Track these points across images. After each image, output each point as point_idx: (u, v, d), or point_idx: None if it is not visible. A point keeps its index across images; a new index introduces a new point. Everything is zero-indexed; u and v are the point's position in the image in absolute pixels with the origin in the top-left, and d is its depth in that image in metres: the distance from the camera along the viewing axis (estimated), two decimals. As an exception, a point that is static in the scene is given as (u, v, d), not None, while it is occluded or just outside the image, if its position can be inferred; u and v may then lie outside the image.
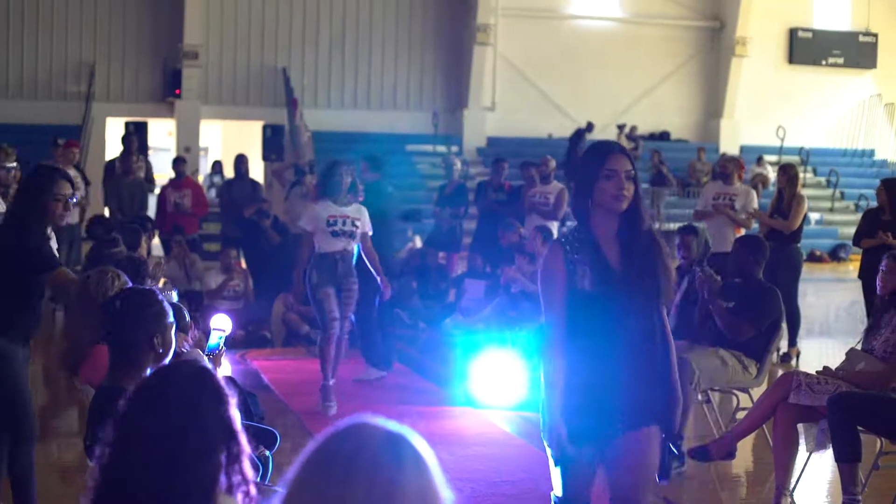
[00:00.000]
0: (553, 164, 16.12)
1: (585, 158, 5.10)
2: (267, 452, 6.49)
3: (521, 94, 32.22)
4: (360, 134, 28.80)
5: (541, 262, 5.05)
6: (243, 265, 16.58)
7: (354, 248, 10.69)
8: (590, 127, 30.59)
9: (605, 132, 31.27)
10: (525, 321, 11.98)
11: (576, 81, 32.35)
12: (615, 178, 4.89)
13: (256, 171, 25.48)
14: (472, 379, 11.11)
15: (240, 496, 2.82)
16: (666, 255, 5.09)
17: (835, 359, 8.82)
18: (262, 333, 14.47)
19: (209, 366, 3.01)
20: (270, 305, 14.84)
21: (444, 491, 2.15)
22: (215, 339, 6.30)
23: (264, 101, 30.26)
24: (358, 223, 10.65)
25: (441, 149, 29.67)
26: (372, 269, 10.92)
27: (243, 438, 2.84)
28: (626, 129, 30.98)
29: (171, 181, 18.50)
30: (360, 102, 31.34)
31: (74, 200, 6.78)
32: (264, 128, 27.46)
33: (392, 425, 2.17)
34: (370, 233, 10.78)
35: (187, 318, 6.42)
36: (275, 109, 29.56)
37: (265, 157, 27.32)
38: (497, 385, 10.92)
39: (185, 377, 2.88)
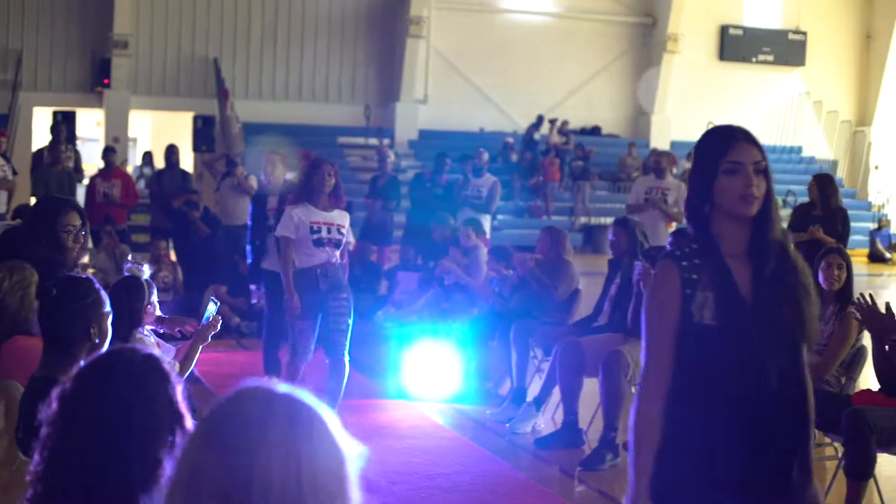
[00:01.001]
0: (486, 156, 16.14)
1: (701, 148, 3.94)
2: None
3: (453, 88, 32.23)
4: (291, 126, 28.69)
5: (649, 283, 3.94)
6: (173, 257, 16.41)
7: (338, 258, 9.22)
8: (540, 120, 30.75)
9: (538, 126, 31.40)
10: (458, 313, 11.94)
11: (508, 75, 32.39)
12: (740, 172, 3.79)
13: (187, 162, 25.27)
14: (405, 371, 11.07)
15: None
16: (807, 276, 3.89)
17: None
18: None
19: (155, 352, 2.95)
20: (200, 297, 14.69)
21: (342, 449, 2.06)
22: (210, 308, 6.32)
23: (195, 92, 30.02)
24: (344, 230, 9.27)
25: (373, 141, 29.61)
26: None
27: (189, 421, 2.79)
28: (558, 124, 31.06)
29: (101, 171, 18.28)
30: (292, 94, 31.19)
31: (84, 233, 6.50)
32: (195, 118, 27.25)
33: (281, 388, 2.08)
34: (351, 241, 9.75)
35: (155, 296, 6.37)
36: (205, 100, 29.36)
37: (196, 148, 27.11)
38: (430, 377, 10.89)
39: (131, 360, 2.83)
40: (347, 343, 9.25)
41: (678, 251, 3.82)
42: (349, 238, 9.46)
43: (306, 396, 2.08)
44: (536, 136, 30.67)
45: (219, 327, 6.33)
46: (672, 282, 3.76)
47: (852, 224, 13.01)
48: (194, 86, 30.17)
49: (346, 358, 9.23)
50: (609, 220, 28.50)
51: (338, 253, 9.20)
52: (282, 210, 10.09)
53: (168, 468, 2.74)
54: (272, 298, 10.64)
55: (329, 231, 9.15)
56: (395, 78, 31.62)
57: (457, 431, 9.78)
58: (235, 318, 14.37)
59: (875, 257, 30.12)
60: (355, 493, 2.06)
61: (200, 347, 6.17)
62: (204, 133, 26.86)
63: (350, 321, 9.24)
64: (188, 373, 6.18)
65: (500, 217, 27.24)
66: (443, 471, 8.41)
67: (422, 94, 32.02)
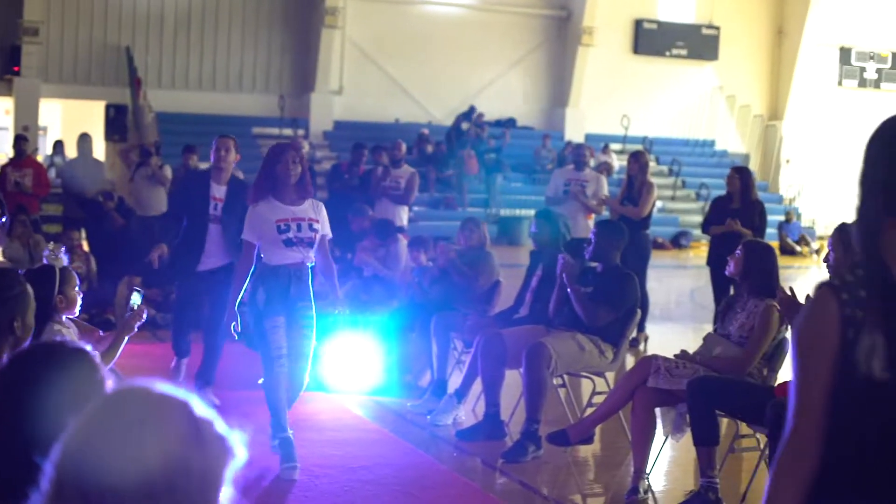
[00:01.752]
0: (404, 147, 16.03)
1: (883, 141, 2.84)
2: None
3: (368, 79, 32.12)
4: (205, 116, 28.47)
5: (800, 316, 2.85)
6: (86, 247, 16.16)
7: (312, 259, 8.00)
8: (472, 110, 30.77)
9: (451, 118, 31.40)
10: (378, 305, 11.86)
11: (424, 67, 32.35)
12: None
13: (99, 151, 24.93)
14: (324, 363, 10.97)
15: None
16: None
17: (679, 343, 8.91)
18: (105, 317, 14.13)
19: (86, 346, 2.86)
20: (114, 288, 14.48)
21: (211, 454, 1.98)
22: (135, 298, 6.33)
23: (107, 81, 29.61)
24: (317, 225, 7.95)
25: (287, 132, 29.42)
26: (327, 283, 8.54)
27: None
28: (473, 116, 31.08)
29: (12, 160, 17.96)
30: (206, 83, 30.90)
31: (4, 220, 6.33)
32: (107, 107, 26.93)
33: (157, 387, 2.02)
34: (329, 235, 8.18)
35: (78, 284, 6.26)
36: (118, 89, 29.00)
37: (108, 138, 26.80)
38: (350, 369, 10.80)
39: (60, 352, 2.75)
40: (308, 365, 8.11)
41: (838, 279, 2.78)
42: (325, 231, 8.07)
43: (177, 394, 2.00)
44: (465, 125, 30.65)
45: (144, 317, 6.22)
46: (828, 318, 2.71)
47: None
48: (106, 74, 29.76)
49: (306, 378, 8.19)
50: (524, 212, 28.66)
51: (311, 253, 7.96)
52: (233, 202, 9.56)
53: None
54: (185, 286, 10.45)
55: (299, 228, 7.89)
56: (310, 68, 31.44)
57: (378, 424, 9.71)
58: (150, 310, 14.17)
59: (785, 250, 30.49)
60: (224, 497, 1.99)
61: (126, 339, 6.05)
62: (116, 122, 26.57)
63: (312, 345, 8.06)
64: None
65: (415, 208, 27.18)
66: (364, 463, 8.34)
67: (337, 85, 31.87)
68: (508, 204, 29.90)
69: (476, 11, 33.37)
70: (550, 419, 8.99)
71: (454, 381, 10.14)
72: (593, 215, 13.82)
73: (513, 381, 9.48)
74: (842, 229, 7.00)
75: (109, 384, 2.77)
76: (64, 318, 6.21)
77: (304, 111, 31.14)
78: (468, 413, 9.92)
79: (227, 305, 8.26)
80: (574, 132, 32.99)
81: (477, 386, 9.67)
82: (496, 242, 26.38)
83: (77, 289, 6.25)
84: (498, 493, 7.96)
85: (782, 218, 31.70)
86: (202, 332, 10.29)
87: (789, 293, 7.09)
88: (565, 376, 9.29)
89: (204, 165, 17.28)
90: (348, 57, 31.95)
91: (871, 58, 37.30)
